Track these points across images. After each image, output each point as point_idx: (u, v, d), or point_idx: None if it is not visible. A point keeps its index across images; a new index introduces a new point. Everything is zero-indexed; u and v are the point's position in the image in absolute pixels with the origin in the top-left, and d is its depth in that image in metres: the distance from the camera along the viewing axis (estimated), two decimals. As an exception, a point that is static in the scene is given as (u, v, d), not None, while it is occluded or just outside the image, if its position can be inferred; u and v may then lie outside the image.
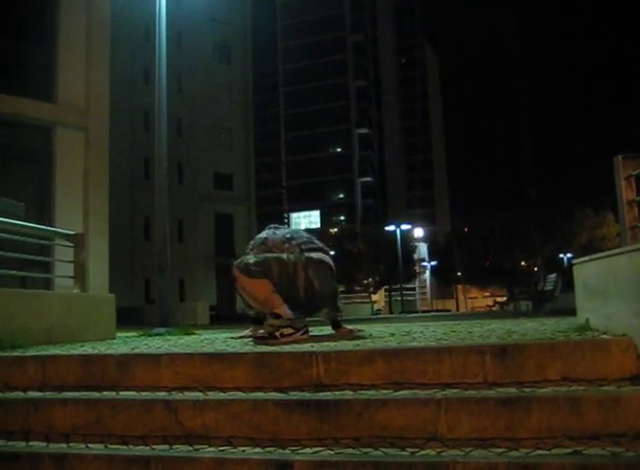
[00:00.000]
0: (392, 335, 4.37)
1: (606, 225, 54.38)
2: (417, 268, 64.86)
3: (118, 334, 6.19)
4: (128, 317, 15.32)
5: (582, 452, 2.45)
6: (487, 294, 71.86)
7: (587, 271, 3.78)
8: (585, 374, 2.94)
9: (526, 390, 2.87)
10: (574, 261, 4.06)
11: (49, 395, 3.36)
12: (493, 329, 4.42)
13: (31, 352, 4.00)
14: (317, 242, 4.64)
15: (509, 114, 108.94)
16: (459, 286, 73.04)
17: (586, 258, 3.81)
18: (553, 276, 17.21)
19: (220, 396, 3.12)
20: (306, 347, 3.59)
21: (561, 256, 53.86)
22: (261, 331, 4.35)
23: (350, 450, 2.64)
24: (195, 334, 6.62)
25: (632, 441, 2.52)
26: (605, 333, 3.35)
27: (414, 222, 63.82)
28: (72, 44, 12.54)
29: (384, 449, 2.62)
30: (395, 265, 49.72)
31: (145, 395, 3.23)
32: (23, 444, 3.05)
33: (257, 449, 2.74)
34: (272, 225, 4.89)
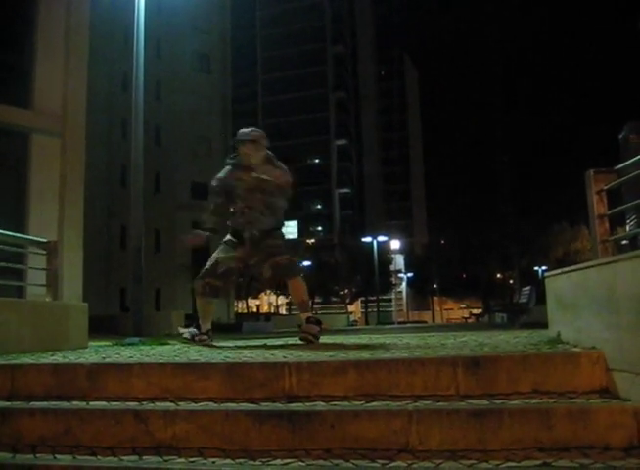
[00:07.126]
0: (366, 346, 4.38)
1: (580, 239, 54.98)
2: (393, 280, 65.13)
3: (91, 343, 6.12)
4: (104, 326, 15.12)
5: (552, 464, 2.46)
6: (464, 306, 72.28)
7: (559, 284, 3.82)
8: (556, 386, 2.96)
9: (498, 402, 2.88)
10: (546, 275, 4.10)
11: (17, 404, 3.30)
12: (466, 341, 4.44)
13: (0, 361, 3.94)
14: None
15: (487, 127, 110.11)
16: (435, 298, 73.39)
17: (558, 271, 3.84)
18: (527, 289, 17.31)
19: (191, 406, 3.09)
20: (280, 357, 3.57)
21: (536, 268, 54.38)
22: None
23: (322, 462, 2.63)
24: (168, 343, 6.55)
25: (601, 453, 2.54)
26: (575, 346, 3.38)
27: (391, 234, 64.05)
28: (50, 49, 12.37)
29: (355, 461, 2.61)
30: (372, 277, 49.81)
31: (115, 405, 3.19)
32: (-11, 455, 2.98)
33: (228, 461, 2.72)
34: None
